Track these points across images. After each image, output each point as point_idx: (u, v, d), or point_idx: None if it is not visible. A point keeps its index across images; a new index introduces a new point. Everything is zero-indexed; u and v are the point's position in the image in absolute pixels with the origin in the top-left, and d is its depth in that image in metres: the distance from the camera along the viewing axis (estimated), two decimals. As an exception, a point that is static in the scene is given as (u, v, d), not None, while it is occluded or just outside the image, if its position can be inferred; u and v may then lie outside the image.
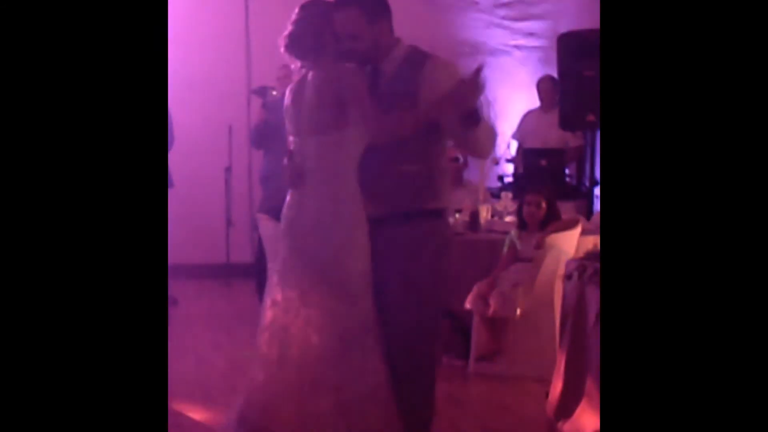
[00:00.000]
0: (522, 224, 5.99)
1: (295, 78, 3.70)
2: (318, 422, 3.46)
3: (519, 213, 6.06)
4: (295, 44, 3.55)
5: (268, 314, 3.64)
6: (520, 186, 7.46)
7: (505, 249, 5.95)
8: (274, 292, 3.63)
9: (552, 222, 5.89)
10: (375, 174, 3.49)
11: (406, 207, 3.50)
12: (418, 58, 3.50)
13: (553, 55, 7.90)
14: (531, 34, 9.87)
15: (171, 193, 7.60)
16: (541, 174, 7.68)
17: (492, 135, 3.52)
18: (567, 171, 8.14)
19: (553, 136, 8.08)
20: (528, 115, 8.67)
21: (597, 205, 7.35)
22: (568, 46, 7.50)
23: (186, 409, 4.94)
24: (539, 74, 8.82)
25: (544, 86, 8.49)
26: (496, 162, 7.76)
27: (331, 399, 3.46)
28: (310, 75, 3.59)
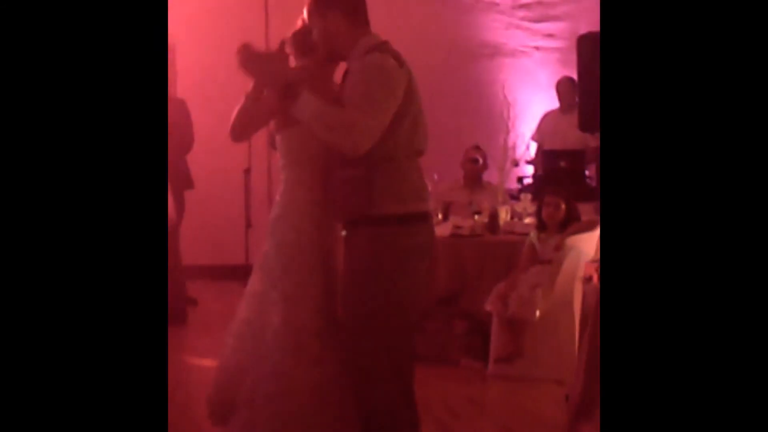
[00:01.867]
0: (541, 226, 5.98)
1: None
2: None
3: (538, 214, 6.05)
4: (292, 40, 3.64)
5: (240, 303, 3.72)
6: (539, 187, 7.45)
7: (525, 250, 5.94)
8: (250, 282, 3.71)
9: (571, 223, 5.88)
10: (332, 179, 3.39)
11: (351, 213, 3.33)
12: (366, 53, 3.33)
13: (573, 57, 7.87)
14: (550, 36, 9.85)
15: (191, 195, 7.65)
16: (560, 175, 7.66)
17: (345, 126, 3.14)
18: (587, 172, 8.12)
19: (572, 137, 8.06)
20: (547, 116, 8.65)
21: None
22: (588, 47, 7.48)
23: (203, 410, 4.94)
24: (559, 75, 8.79)
25: (563, 87, 8.47)
26: (516, 163, 7.75)
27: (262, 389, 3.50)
28: None
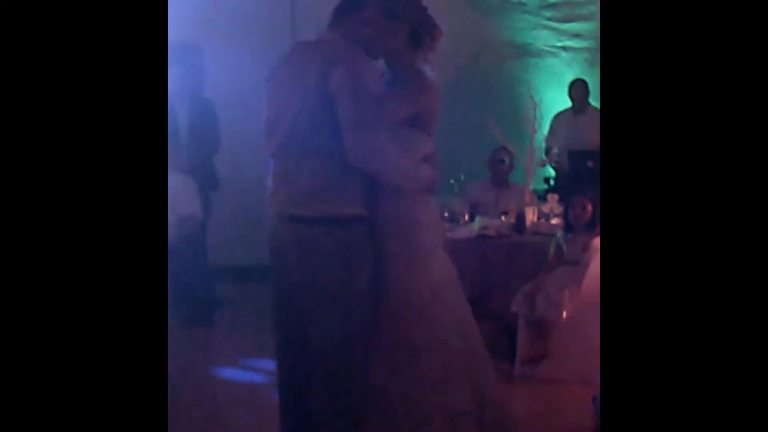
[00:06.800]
0: (568, 226, 5.97)
1: None
2: None
3: (565, 215, 6.03)
4: None
5: None
6: (566, 188, 7.42)
7: (552, 251, 5.92)
8: None
9: (598, 224, 5.85)
10: None
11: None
12: None
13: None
14: (577, 35, 9.80)
15: (217, 195, 7.66)
16: (587, 176, 7.63)
17: None
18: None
19: (590, 137, 8.04)
20: (558, 118, 8.79)
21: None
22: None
23: (230, 411, 4.97)
24: (586, 76, 8.81)
25: (575, 90, 8.70)
26: (543, 164, 7.74)
27: None
28: None
